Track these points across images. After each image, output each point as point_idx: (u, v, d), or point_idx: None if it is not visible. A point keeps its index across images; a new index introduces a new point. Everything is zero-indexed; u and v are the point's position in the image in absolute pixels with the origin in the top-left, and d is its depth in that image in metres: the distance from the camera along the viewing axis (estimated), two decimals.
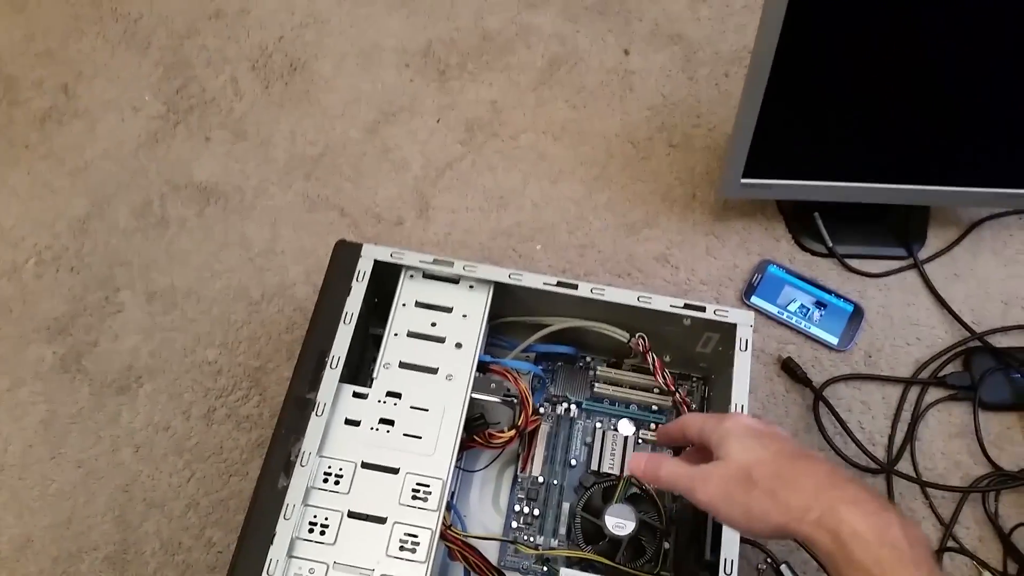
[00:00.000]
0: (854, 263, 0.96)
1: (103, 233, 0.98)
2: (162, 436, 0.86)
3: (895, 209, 0.95)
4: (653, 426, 0.84)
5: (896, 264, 0.96)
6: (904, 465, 0.85)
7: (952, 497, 0.84)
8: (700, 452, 0.62)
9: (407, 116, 1.07)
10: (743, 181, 0.90)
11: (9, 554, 0.80)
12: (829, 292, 0.94)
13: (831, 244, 0.96)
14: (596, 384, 0.86)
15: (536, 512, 0.80)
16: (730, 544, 0.65)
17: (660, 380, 0.80)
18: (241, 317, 0.93)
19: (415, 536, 0.67)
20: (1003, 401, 0.88)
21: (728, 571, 0.64)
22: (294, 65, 1.11)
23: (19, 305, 0.93)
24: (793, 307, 0.93)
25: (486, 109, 1.08)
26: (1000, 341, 0.91)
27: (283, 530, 0.65)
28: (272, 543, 0.65)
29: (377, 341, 0.76)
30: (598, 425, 0.84)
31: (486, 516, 0.81)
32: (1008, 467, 0.85)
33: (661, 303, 0.76)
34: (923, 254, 0.97)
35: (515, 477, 0.82)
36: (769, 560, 0.78)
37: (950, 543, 0.82)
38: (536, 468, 0.82)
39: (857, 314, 0.92)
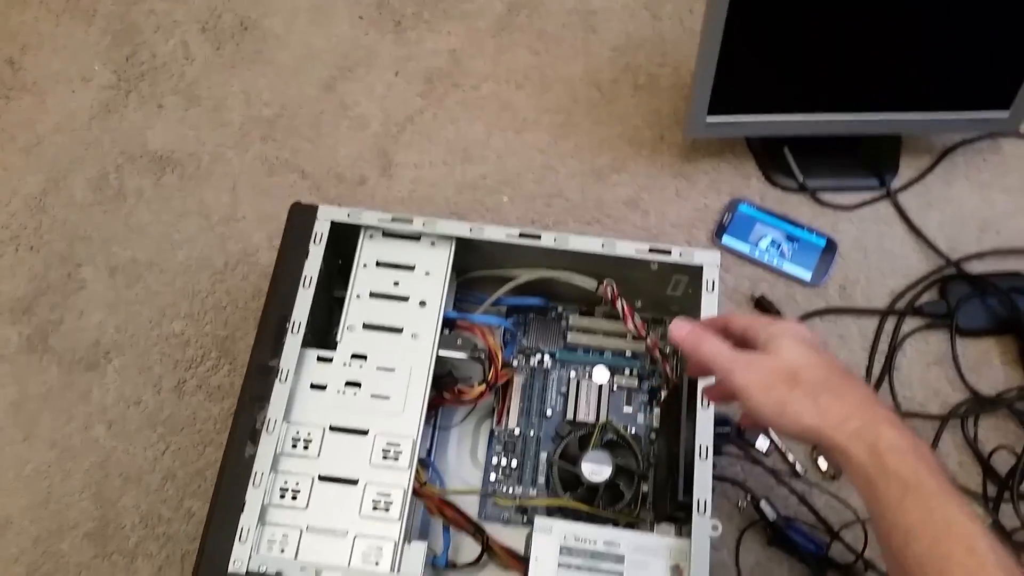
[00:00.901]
0: (826, 197, 0.94)
1: (60, 209, 0.96)
2: (134, 411, 0.85)
3: (866, 140, 0.94)
4: (627, 372, 0.83)
5: (869, 195, 0.95)
6: (883, 396, 0.85)
7: (932, 425, 0.84)
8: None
9: (364, 71, 1.04)
10: (709, 119, 0.88)
11: None
12: (801, 227, 0.92)
13: (802, 179, 0.94)
14: (569, 333, 0.85)
15: (514, 464, 0.80)
16: (703, 484, 0.65)
17: (631, 326, 0.79)
18: (206, 287, 0.91)
19: (388, 495, 0.67)
20: (980, 327, 0.87)
21: (702, 510, 0.64)
22: (244, 24, 1.08)
23: None
24: (764, 244, 0.91)
25: (445, 59, 1.05)
26: (976, 267, 0.90)
27: (253, 497, 0.65)
28: (243, 511, 0.64)
29: (343, 304, 0.75)
30: (573, 374, 0.84)
31: (465, 471, 0.80)
32: (986, 392, 0.84)
33: (626, 248, 0.75)
34: (896, 184, 0.95)
35: (492, 431, 0.81)
36: (749, 497, 0.78)
37: None
38: (512, 420, 0.82)
39: (830, 248, 0.91)
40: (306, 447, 0.68)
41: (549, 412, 0.82)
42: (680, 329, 0.58)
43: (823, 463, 0.81)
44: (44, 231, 0.95)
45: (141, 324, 0.89)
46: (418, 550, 0.66)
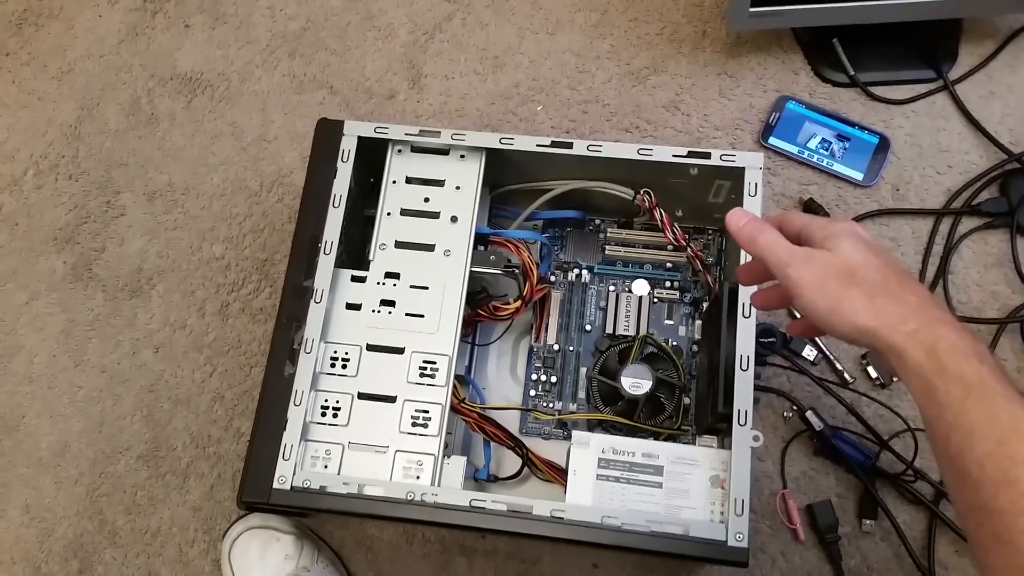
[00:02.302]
0: (879, 91, 0.89)
1: (96, 136, 0.96)
2: (180, 335, 0.87)
3: (921, 26, 0.86)
4: (668, 284, 0.81)
5: (925, 88, 0.89)
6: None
7: (989, 330, 0.80)
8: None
9: None
10: (752, 10, 0.83)
11: (50, 459, 0.83)
12: (852, 125, 0.87)
13: (852, 72, 0.88)
14: (607, 247, 0.83)
15: (554, 379, 0.80)
16: (744, 395, 0.63)
17: (669, 236, 0.77)
18: (243, 210, 0.91)
19: (426, 412, 0.67)
20: None
21: (742, 422, 0.63)
22: None
23: (24, 219, 0.93)
24: (814, 144, 0.87)
25: None
26: None
27: (295, 416, 0.66)
28: (285, 429, 0.65)
29: (375, 223, 0.74)
30: (611, 288, 0.82)
31: (505, 387, 0.80)
32: None
33: (663, 153, 0.72)
34: (954, 74, 0.89)
35: (530, 347, 0.81)
36: (795, 408, 0.77)
37: None
38: (551, 336, 0.81)
39: (883, 146, 0.86)
40: (344, 366, 0.69)
41: (588, 327, 0.81)
42: (739, 219, 0.55)
43: (873, 371, 0.78)
44: (81, 159, 0.95)
45: (182, 249, 0.90)
46: (458, 464, 0.67)
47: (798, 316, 0.79)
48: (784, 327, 0.79)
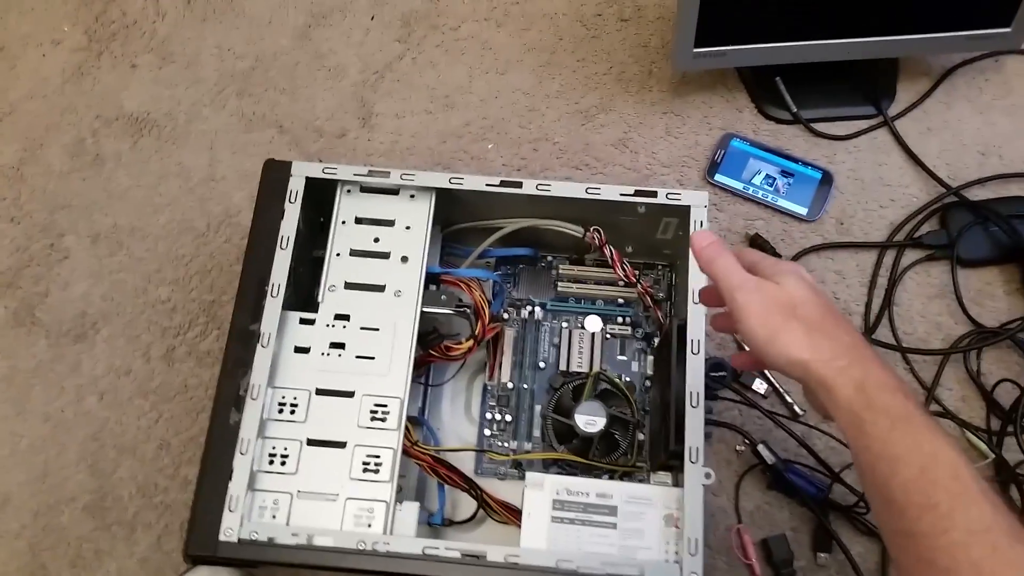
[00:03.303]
0: (821, 127, 0.91)
1: (39, 178, 0.94)
2: (125, 380, 0.84)
3: (860, 65, 0.89)
4: (620, 319, 0.82)
5: (865, 124, 0.91)
6: (883, 332, 0.83)
7: (933, 360, 0.82)
8: None
9: (339, 16, 1.00)
10: (696, 51, 0.85)
11: None
12: (796, 161, 0.89)
13: (795, 109, 0.90)
14: (559, 283, 0.83)
15: (508, 418, 0.79)
16: (695, 432, 0.64)
17: (619, 272, 0.77)
18: (189, 251, 0.89)
19: (377, 457, 0.66)
20: (982, 256, 0.85)
21: (694, 459, 0.63)
22: None
23: None
24: (758, 180, 0.89)
25: (422, 0, 1.01)
26: (977, 194, 0.87)
27: (241, 465, 0.64)
28: (231, 479, 0.64)
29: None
30: (564, 325, 0.82)
31: (460, 427, 0.80)
32: (989, 323, 0.82)
33: (611, 192, 0.73)
34: (893, 110, 0.92)
35: (485, 386, 0.80)
36: (747, 442, 0.77)
37: (933, 406, 0.80)
38: (505, 374, 0.80)
39: (826, 181, 0.88)
40: (293, 411, 0.67)
41: (542, 364, 0.81)
42: (702, 239, 0.58)
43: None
44: (24, 202, 0.93)
45: (127, 292, 0.88)
46: (410, 510, 0.66)
47: (746, 349, 0.80)
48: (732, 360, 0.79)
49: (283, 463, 0.66)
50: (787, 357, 0.52)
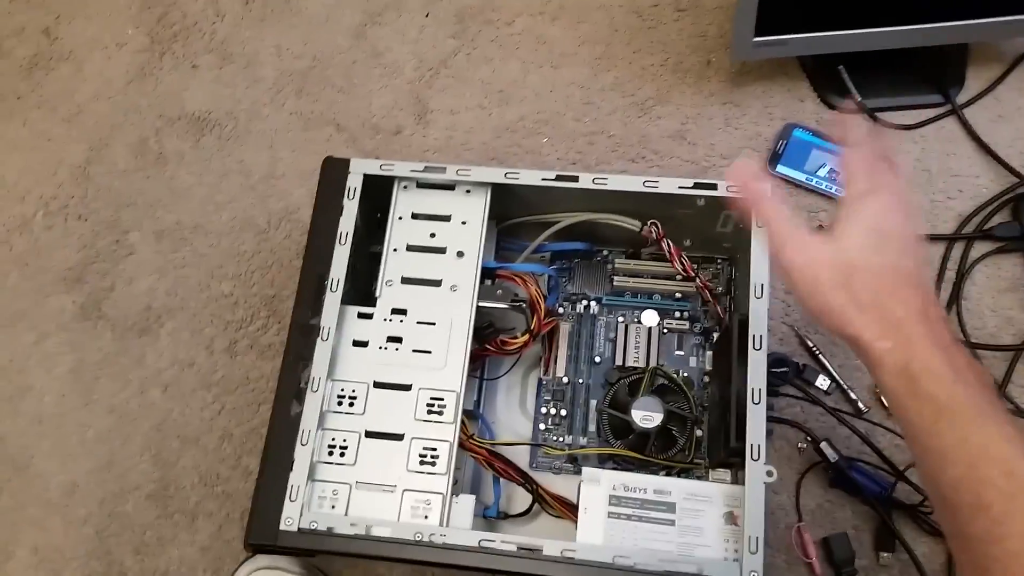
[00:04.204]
0: (886, 116, 0.88)
1: (105, 176, 0.97)
2: (188, 373, 0.87)
3: (927, 51, 0.86)
4: (678, 314, 0.81)
5: (933, 112, 0.88)
6: (951, 327, 0.80)
7: (1004, 356, 0.79)
8: None
9: (393, 14, 1.01)
10: (756, 39, 0.83)
11: (59, 499, 0.83)
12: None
13: (859, 98, 0.88)
14: (615, 278, 0.82)
15: (564, 412, 0.79)
16: (756, 429, 0.62)
17: (678, 266, 0.76)
18: (251, 247, 0.91)
19: (434, 449, 0.66)
20: None
21: (755, 457, 0.62)
22: None
23: (34, 258, 0.93)
24: (823, 172, 0.86)
25: None
26: None
27: (301, 455, 0.65)
28: (292, 469, 0.65)
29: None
30: (620, 319, 0.81)
31: (515, 421, 0.80)
32: None
33: (669, 185, 0.72)
34: (962, 98, 0.88)
35: (540, 380, 0.80)
36: (810, 439, 0.76)
37: (1007, 405, 0.77)
38: (560, 369, 0.80)
39: None
40: (351, 404, 0.68)
41: (598, 359, 0.80)
42: (741, 173, 0.52)
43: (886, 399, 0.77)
44: (90, 200, 0.96)
45: (190, 287, 0.90)
46: (467, 503, 0.66)
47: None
48: (796, 357, 0.78)
49: (342, 454, 0.66)
50: (839, 331, 0.49)
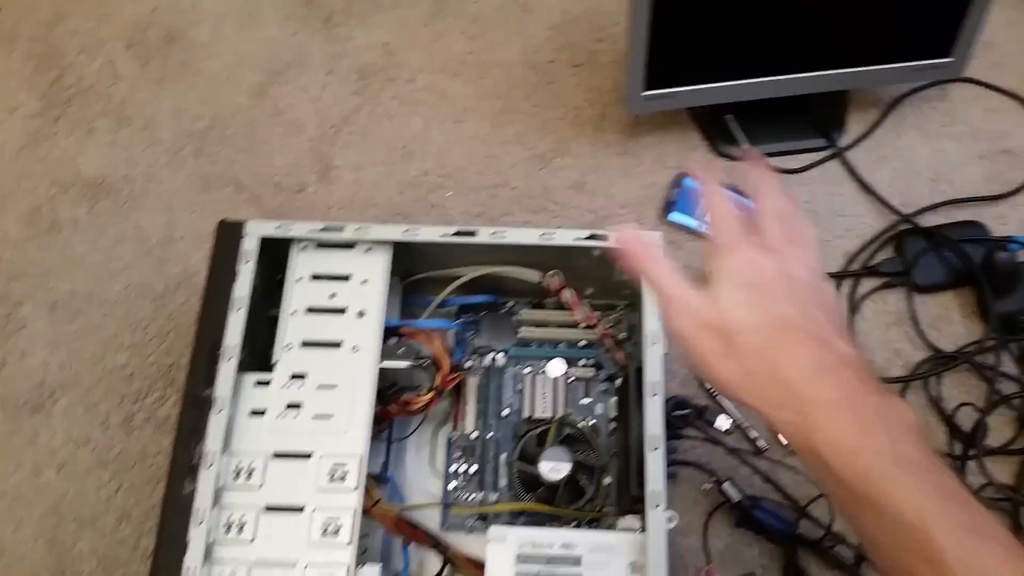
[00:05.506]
0: (774, 161, 0.92)
1: None
2: (84, 451, 0.83)
3: (810, 99, 0.90)
4: (583, 362, 0.81)
5: (817, 156, 0.92)
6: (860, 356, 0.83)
7: (895, 388, 0.82)
8: None
9: (295, 73, 1.01)
10: (646, 93, 0.86)
11: None
12: (749, 196, 0.90)
13: (747, 145, 0.91)
14: (521, 329, 0.83)
15: (474, 469, 0.78)
16: (655, 476, 0.63)
17: (579, 315, 0.77)
18: (147, 314, 0.89)
19: (337, 519, 0.65)
20: (937, 281, 0.85)
21: (656, 504, 0.62)
22: (171, 36, 1.05)
23: None
24: None
25: (378, 53, 1.02)
26: (930, 220, 0.88)
27: (196, 536, 0.63)
28: (187, 551, 0.62)
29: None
30: (527, 370, 0.82)
31: (426, 481, 0.78)
32: (947, 348, 0.82)
33: (565, 237, 0.73)
34: (844, 141, 0.93)
35: (449, 437, 0.79)
36: (714, 479, 0.77)
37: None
38: (469, 424, 0.80)
39: None
40: (249, 477, 0.66)
41: (506, 412, 0.80)
42: (624, 240, 0.50)
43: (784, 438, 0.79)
44: None
45: (84, 360, 0.87)
46: (371, 573, 0.64)
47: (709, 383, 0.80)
48: (696, 400, 0.79)
49: (240, 531, 0.64)
50: (735, 402, 0.47)
